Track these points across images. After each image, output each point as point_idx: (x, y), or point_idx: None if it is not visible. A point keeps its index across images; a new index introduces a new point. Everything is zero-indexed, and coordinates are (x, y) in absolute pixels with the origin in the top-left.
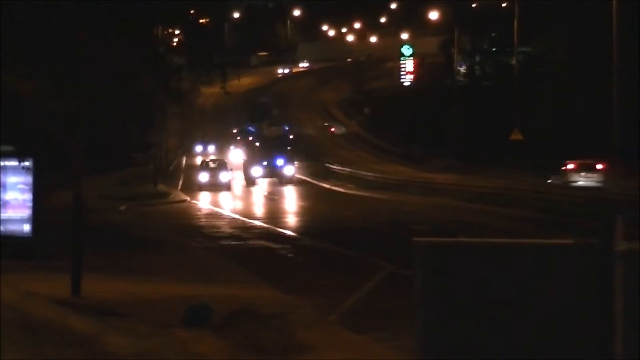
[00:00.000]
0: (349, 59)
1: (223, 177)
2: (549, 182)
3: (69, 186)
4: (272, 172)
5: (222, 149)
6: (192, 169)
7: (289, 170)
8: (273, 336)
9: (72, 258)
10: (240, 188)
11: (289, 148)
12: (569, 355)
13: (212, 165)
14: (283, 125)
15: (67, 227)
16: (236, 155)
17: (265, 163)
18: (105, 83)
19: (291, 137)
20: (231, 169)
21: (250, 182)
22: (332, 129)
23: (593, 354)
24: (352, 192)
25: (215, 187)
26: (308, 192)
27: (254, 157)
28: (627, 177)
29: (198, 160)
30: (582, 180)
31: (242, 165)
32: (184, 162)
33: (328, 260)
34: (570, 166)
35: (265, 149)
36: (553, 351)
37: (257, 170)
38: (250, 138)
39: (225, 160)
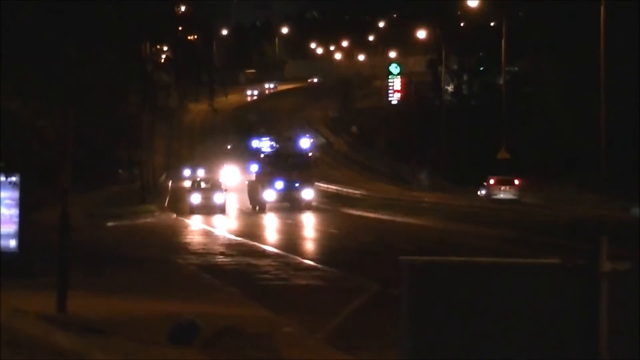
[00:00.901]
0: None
1: (217, 198)
2: (479, 194)
3: (56, 203)
4: (288, 196)
5: (212, 169)
6: (180, 191)
7: (308, 193)
8: (259, 355)
9: (58, 274)
10: (235, 211)
11: (307, 167)
12: None
13: (204, 185)
14: (298, 141)
15: (54, 243)
16: (230, 173)
17: (280, 185)
18: (92, 101)
19: (310, 154)
20: (225, 190)
21: (260, 206)
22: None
23: None
24: (340, 209)
25: (208, 209)
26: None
27: (265, 177)
28: (538, 191)
29: (187, 184)
30: (502, 194)
31: (247, 187)
32: (169, 184)
33: (316, 278)
34: (492, 181)
35: (281, 168)
36: None
37: (269, 194)
38: (262, 155)
39: (219, 180)
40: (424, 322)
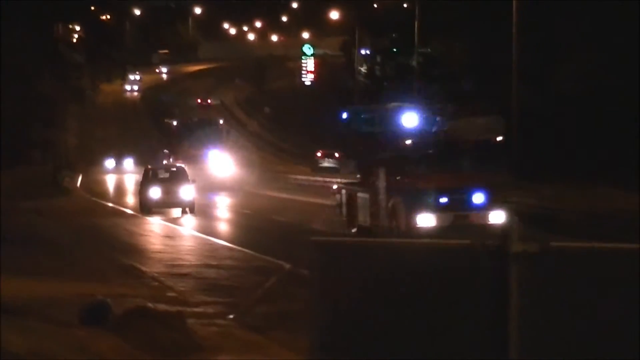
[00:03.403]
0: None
1: (183, 192)
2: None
3: None
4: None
5: (148, 158)
6: (96, 176)
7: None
8: (171, 335)
9: None
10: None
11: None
12: (464, 357)
13: (163, 175)
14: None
15: None
16: (219, 161)
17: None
18: (4, 81)
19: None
20: (193, 180)
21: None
22: (209, 101)
23: (488, 356)
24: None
25: (170, 206)
26: None
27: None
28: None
29: (109, 178)
30: (327, 163)
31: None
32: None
33: (229, 259)
34: (319, 154)
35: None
36: (447, 353)
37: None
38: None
39: (184, 169)
40: (334, 302)
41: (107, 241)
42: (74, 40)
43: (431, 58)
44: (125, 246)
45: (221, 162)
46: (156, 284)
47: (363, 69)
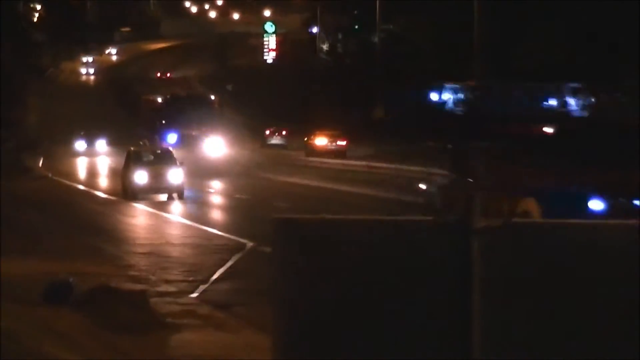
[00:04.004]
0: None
1: (172, 176)
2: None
3: None
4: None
5: (118, 140)
6: (65, 159)
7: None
8: (134, 313)
9: None
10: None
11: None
12: (424, 337)
13: (148, 157)
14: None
15: None
16: (213, 143)
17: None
18: None
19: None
20: (181, 163)
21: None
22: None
23: (451, 336)
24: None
25: (158, 191)
26: None
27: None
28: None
29: (81, 161)
30: (275, 140)
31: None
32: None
33: (191, 237)
34: (267, 132)
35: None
36: (409, 334)
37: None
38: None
39: (170, 150)
40: (295, 279)
41: (75, 221)
42: (35, 19)
43: (393, 34)
44: (94, 226)
45: (215, 143)
46: (122, 262)
47: (325, 47)
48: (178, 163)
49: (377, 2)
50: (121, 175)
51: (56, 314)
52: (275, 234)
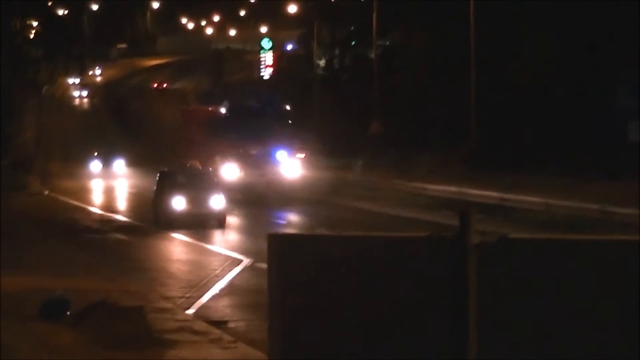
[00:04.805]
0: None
1: (213, 201)
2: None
3: None
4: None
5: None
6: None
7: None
8: (131, 330)
9: None
10: None
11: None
12: (422, 353)
13: (185, 180)
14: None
15: None
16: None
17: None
18: None
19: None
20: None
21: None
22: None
23: (448, 351)
24: None
25: (198, 219)
26: None
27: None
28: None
29: (95, 183)
30: None
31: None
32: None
33: (185, 252)
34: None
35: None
36: (405, 349)
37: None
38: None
39: (210, 173)
40: (292, 296)
41: (70, 236)
42: (32, 36)
43: (390, 49)
44: (84, 239)
45: (290, 165)
46: (118, 278)
47: (321, 62)
48: (219, 188)
49: (374, 17)
50: (154, 201)
51: (53, 330)
52: (270, 249)
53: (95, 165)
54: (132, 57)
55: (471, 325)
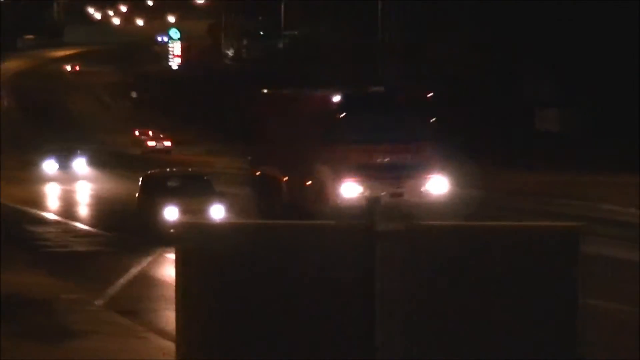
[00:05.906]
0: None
1: (212, 211)
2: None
3: None
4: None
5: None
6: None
7: None
8: (42, 320)
9: None
10: None
11: None
12: (329, 337)
13: (174, 184)
14: None
15: None
16: None
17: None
18: None
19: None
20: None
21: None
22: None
23: (356, 333)
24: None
25: None
26: None
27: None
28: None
29: (50, 188)
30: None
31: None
32: None
33: (95, 244)
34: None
35: None
36: (317, 332)
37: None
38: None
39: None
40: (198, 284)
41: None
42: None
43: (298, 40)
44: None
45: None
46: (30, 270)
47: (230, 52)
48: (218, 194)
49: (282, 8)
50: (139, 209)
51: None
52: (180, 237)
53: (49, 164)
54: (40, 48)
55: (379, 312)
